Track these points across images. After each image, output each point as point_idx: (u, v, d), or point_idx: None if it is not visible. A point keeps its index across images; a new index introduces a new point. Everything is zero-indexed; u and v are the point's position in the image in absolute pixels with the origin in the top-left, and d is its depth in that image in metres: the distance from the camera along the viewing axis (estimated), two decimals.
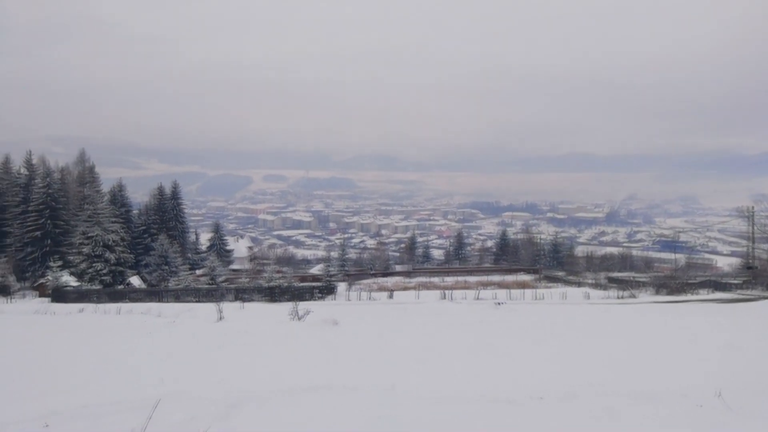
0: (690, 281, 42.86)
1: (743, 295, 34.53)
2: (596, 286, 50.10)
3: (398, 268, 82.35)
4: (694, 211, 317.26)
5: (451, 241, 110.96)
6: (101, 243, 49.01)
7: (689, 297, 34.19)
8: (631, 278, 49.99)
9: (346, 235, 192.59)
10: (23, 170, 64.26)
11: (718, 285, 42.64)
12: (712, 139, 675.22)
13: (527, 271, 70.29)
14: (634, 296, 35.76)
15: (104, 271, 48.77)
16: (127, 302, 33.81)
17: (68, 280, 45.66)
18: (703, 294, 36.90)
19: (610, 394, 6.92)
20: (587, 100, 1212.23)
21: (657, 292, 38.56)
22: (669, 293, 37.17)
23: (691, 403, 6.08)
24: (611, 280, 52.47)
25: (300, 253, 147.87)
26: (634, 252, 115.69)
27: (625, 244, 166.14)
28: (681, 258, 71.18)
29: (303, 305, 21.82)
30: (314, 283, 46.44)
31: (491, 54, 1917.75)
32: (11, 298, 45.11)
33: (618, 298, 35.47)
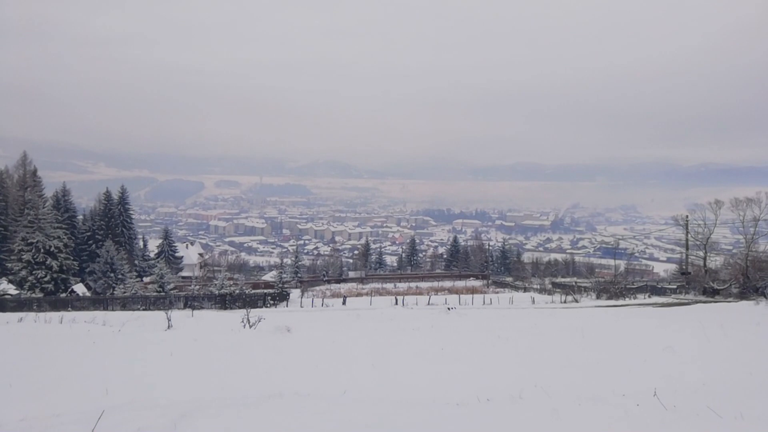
0: (629, 286, 44.69)
1: (678, 299, 36.16)
2: (542, 291, 51.63)
3: (352, 274, 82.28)
4: (634, 219, 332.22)
5: (404, 247, 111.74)
6: (43, 249, 46.77)
7: (629, 301, 35.63)
8: (575, 283, 51.70)
9: (300, 242, 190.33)
10: None
11: (655, 290, 44.60)
12: (653, 151, 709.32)
13: (477, 277, 71.65)
14: (576, 301, 37.03)
15: (46, 279, 46.55)
16: (70, 311, 32.32)
17: (7, 288, 43.35)
18: (642, 298, 38.48)
19: (554, 395, 7.16)
20: (537, 112, 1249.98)
21: (598, 297, 39.99)
22: (609, 298, 38.62)
23: (630, 403, 6.38)
24: (556, 285, 54.14)
25: (253, 259, 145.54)
26: (578, 258, 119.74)
27: (569, 251, 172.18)
28: (621, 264, 74.22)
29: (255, 312, 21.55)
30: (267, 290, 45.82)
31: (442, 68, 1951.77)
32: None
33: (562, 302, 36.66)
